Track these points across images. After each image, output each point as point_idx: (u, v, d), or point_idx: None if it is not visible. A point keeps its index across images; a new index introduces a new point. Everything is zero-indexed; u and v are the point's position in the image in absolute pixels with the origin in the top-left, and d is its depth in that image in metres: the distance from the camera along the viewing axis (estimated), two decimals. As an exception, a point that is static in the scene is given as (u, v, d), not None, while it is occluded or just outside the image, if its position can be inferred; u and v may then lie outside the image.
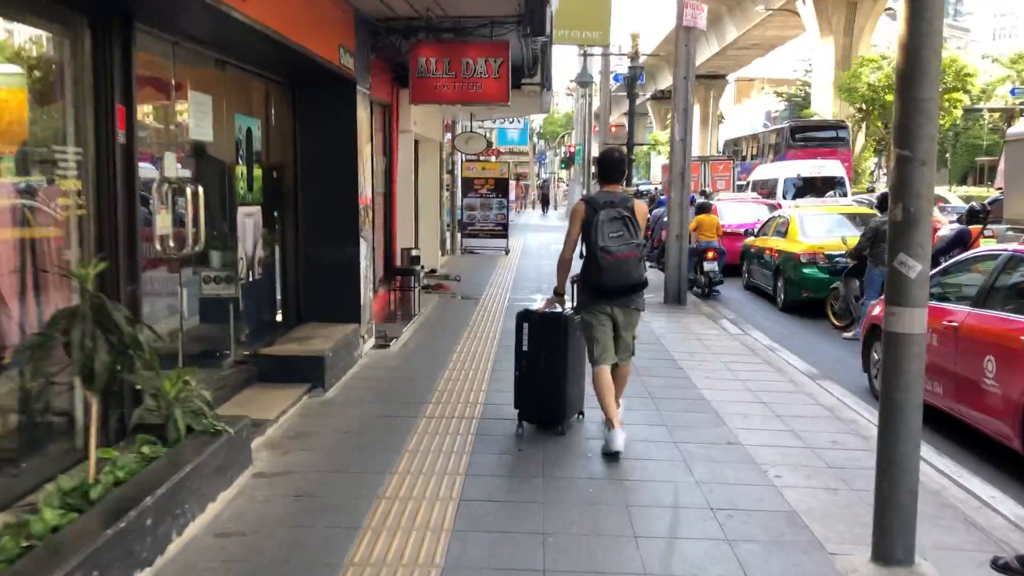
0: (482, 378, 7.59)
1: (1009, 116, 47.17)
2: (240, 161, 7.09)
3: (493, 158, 29.78)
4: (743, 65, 69.07)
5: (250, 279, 7.23)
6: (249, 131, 7.25)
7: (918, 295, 3.69)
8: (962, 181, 59.30)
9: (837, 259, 11.93)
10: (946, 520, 4.54)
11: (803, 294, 12.61)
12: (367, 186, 8.43)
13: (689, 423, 6.33)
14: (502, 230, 20.53)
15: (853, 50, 40.80)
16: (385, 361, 8.23)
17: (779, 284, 13.42)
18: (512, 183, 41.07)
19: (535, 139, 76.58)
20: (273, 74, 7.56)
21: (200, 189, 5.84)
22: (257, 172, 7.48)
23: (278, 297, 8.01)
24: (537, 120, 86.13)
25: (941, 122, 37.32)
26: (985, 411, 5.99)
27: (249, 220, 7.22)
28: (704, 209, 14.64)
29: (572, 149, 46.29)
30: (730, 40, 56.17)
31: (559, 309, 6.03)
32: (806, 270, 12.57)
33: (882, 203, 11.14)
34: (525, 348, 5.97)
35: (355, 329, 7.95)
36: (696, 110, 70.04)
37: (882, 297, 8.63)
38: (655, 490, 4.93)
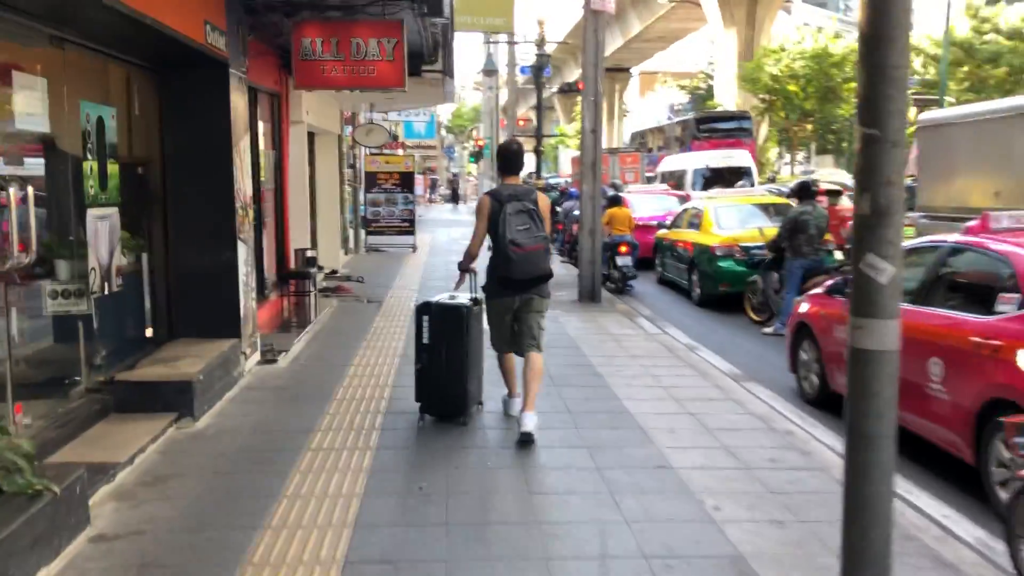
0: (380, 396, 6.77)
1: (903, 106, 48.50)
2: (89, 156, 6.07)
3: (399, 151, 28.78)
4: (647, 58, 69.48)
5: (106, 292, 6.23)
6: (100, 121, 6.23)
7: (889, 304, 3.05)
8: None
9: (754, 251, 11.51)
10: (912, 558, 3.96)
11: (719, 288, 12.16)
12: (246, 182, 7.49)
13: (613, 442, 5.64)
14: (408, 226, 19.61)
15: (755, 41, 41.15)
16: (270, 380, 7.31)
17: (694, 278, 12.96)
18: (420, 177, 40.09)
19: (443, 132, 75.46)
20: (129, 55, 6.56)
21: (30, 189, 4.86)
22: (113, 168, 6.45)
23: (146, 311, 7.01)
24: (444, 113, 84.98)
25: (841, 112, 37.99)
26: (931, 419, 5.48)
27: (103, 224, 6.20)
28: (616, 202, 14.08)
29: (480, 143, 45.53)
30: (635, 33, 56.26)
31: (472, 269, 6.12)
32: (722, 263, 12.13)
33: (800, 192, 10.75)
34: (426, 341, 5.95)
35: (234, 344, 7.01)
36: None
37: (810, 293, 8.19)
38: (579, 535, 4.20)
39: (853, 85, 35.74)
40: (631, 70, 72.88)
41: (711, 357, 8.69)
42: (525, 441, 5.53)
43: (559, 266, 16.56)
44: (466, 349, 5.91)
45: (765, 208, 13.45)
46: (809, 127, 41.35)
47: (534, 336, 5.85)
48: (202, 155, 7.01)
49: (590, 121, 11.59)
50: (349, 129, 17.91)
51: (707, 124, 32.07)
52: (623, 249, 13.72)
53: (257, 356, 7.77)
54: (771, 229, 11.18)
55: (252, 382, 7.19)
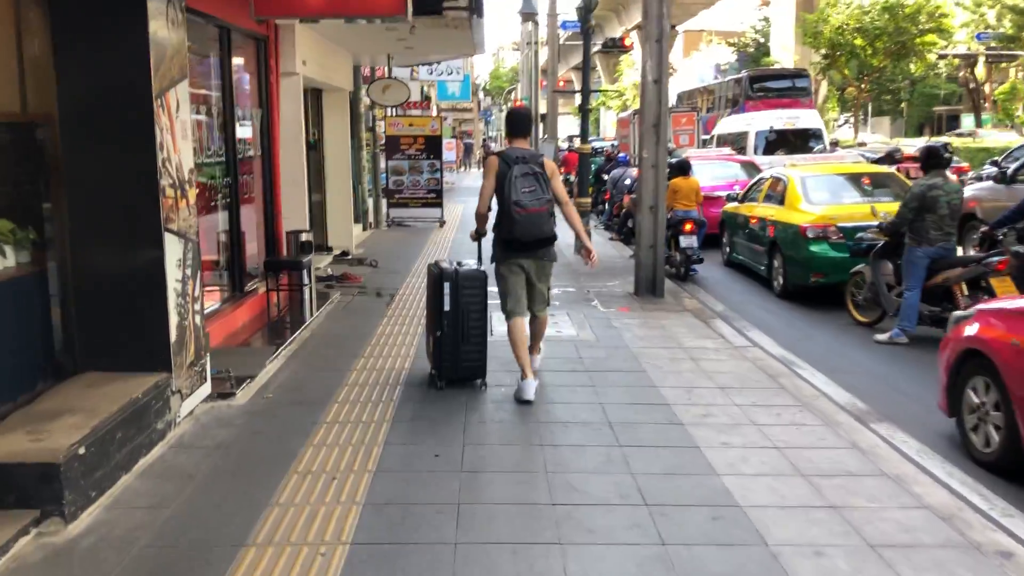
0: (364, 464, 4.62)
1: (971, 63, 45.08)
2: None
3: (433, 112, 26.54)
4: (692, 16, 65.96)
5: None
6: (-66, 57, 4.12)
7: None
8: (919, 132, 57.27)
9: (860, 234, 9.12)
10: None
11: (811, 278, 9.83)
12: (183, 149, 5.32)
13: (723, 579, 3.45)
14: (435, 197, 17.40)
15: (816, -8, 38.10)
16: (215, 431, 5.18)
17: (775, 264, 10.63)
18: (453, 141, 37.81)
19: (480, 95, 72.65)
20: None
21: None
22: (-35, 129, 4.37)
23: (36, 336, 4.92)
24: (482, 74, 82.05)
25: (912, 68, 34.96)
26: None
27: (-59, 213, 4.11)
28: (681, 170, 11.70)
29: (518, 105, 43.01)
30: (681, -13, 53.05)
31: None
32: (814, 247, 9.77)
33: (927, 160, 8.30)
34: (447, 308, 5.85)
35: (158, 384, 4.89)
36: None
37: (985, 308, 5.83)
38: None
39: (930, 39, 32.71)
40: (677, 28, 69.45)
41: (823, 383, 6.48)
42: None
43: (607, 245, 14.29)
44: (487, 314, 6.02)
45: (860, 179, 11.05)
46: (865, 87, 38.29)
47: (546, 300, 6.10)
48: (109, 111, 4.87)
49: (653, 69, 9.23)
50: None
51: (761, 83, 29.70)
52: (688, 227, 11.44)
53: (206, 389, 5.66)
54: (887, 206, 8.81)
55: (187, 436, 5.08)
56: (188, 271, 5.33)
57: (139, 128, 4.87)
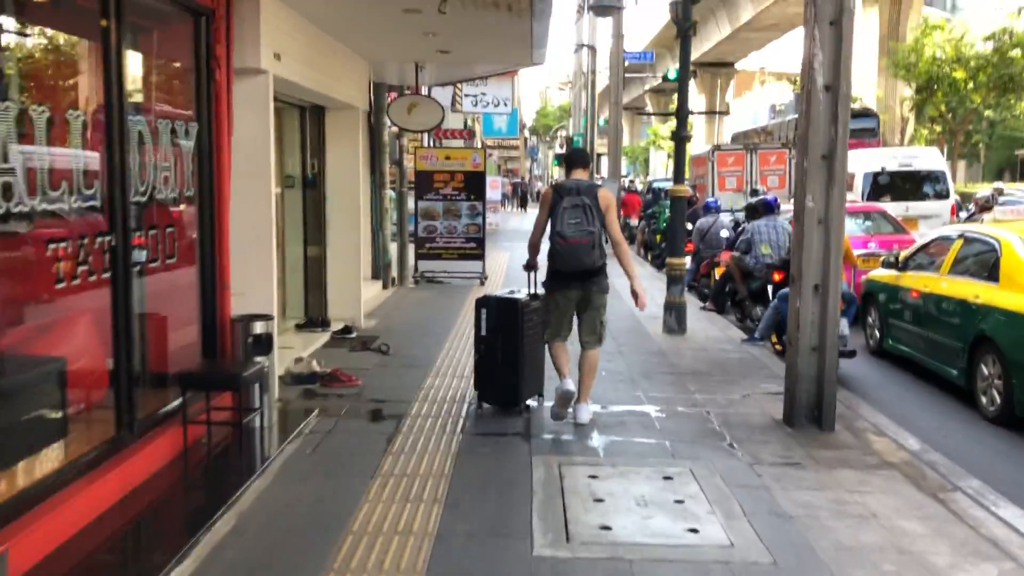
0: None
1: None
2: None
3: (477, 144, 23.19)
4: (754, 49, 62.41)
5: None
6: None
7: None
8: (998, 177, 52.93)
9: None
10: None
11: (1064, 401, 6.14)
12: None
13: None
14: (475, 247, 13.92)
15: (901, 20, 34.38)
16: None
17: (986, 371, 6.94)
18: (499, 180, 34.49)
19: (526, 134, 69.50)
20: None
21: None
22: None
23: None
24: (528, 114, 79.00)
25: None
26: None
27: None
28: (830, 225, 8.05)
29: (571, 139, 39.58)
30: (745, 20, 49.40)
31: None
32: (1071, 353, 6.10)
33: None
34: (483, 333, 6.14)
35: None
36: (702, 100, 63.27)
37: None
38: None
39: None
40: (735, 65, 65.85)
41: None
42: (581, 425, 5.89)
43: (703, 320, 10.67)
44: (520, 341, 6.04)
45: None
46: (937, 128, 34.22)
47: (595, 331, 5.97)
48: None
49: (826, 68, 5.68)
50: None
51: None
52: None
53: None
54: None
55: None
56: None
57: None
